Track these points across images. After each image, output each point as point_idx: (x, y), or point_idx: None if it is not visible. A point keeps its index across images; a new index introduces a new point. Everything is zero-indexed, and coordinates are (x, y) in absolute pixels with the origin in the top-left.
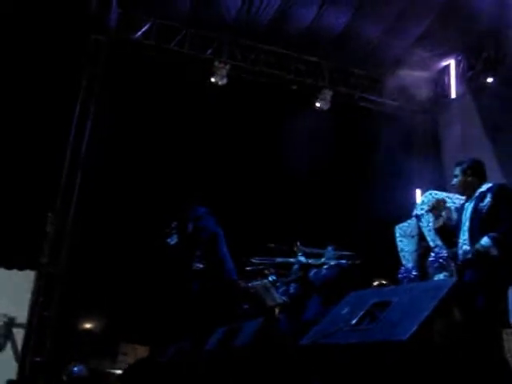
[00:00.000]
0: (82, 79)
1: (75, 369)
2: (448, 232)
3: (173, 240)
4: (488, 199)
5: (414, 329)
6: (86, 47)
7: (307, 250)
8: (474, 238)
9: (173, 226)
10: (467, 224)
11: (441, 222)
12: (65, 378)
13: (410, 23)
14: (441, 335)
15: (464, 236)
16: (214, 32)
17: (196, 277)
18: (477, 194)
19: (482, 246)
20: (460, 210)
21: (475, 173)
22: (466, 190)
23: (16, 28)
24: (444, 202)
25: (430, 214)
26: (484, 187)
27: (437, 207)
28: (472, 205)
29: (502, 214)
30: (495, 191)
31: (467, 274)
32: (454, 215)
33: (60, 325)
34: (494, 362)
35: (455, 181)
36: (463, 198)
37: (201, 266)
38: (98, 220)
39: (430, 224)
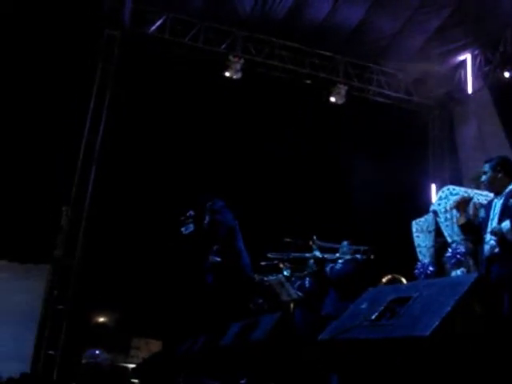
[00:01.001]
0: (96, 74)
1: (96, 352)
2: (472, 229)
3: (188, 229)
4: None
5: (436, 324)
6: (100, 42)
7: (323, 244)
8: None
9: (188, 214)
10: (496, 220)
11: (465, 218)
12: (84, 360)
13: (426, 18)
14: (463, 331)
15: (488, 236)
16: (229, 26)
17: (211, 270)
18: (507, 190)
19: (500, 228)
20: (488, 206)
21: (505, 170)
22: (496, 186)
23: (31, 24)
24: (470, 198)
25: (454, 210)
26: None
27: (462, 204)
28: (501, 201)
29: None
30: None
31: (493, 270)
32: (481, 212)
33: (74, 319)
34: None
35: (485, 177)
36: (482, 193)
37: (218, 259)
38: (113, 214)
39: (449, 220)
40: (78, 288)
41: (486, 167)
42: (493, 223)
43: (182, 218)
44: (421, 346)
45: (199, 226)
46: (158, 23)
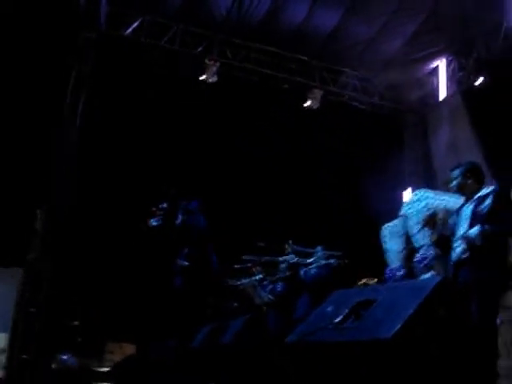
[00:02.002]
0: (71, 76)
1: (65, 357)
2: (445, 242)
3: (156, 222)
4: (488, 202)
5: (398, 327)
6: (76, 44)
7: (298, 248)
8: None
9: (161, 207)
10: (465, 226)
11: (437, 234)
12: (54, 366)
13: (400, 24)
14: (425, 333)
15: (457, 242)
16: (205, 29)
17: (180, 273)
18: (476, 196)
19: (469, 233)
20: (457, 212)
21: (474, 176)
22: (465, 192)
23: (5, 24)
24: (435, 215)
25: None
26: (483, 191)
27: (430, 222)
28: (471, 207)
29: (501, 215)
30: (495, 195)
31: (461, 275)
32: (452, 218)
33: (46, 322)
34: (477, 361)
35: (454, 183)
36: (454, 196)
37: (186, 263)
38: (88, 217)
39: (419, 223)
40: (50, 292)
41: (456, 173)
42: (462, 229)
43: (154, 209)
44: (383, 349)
45: (169, 222)
46: (134, 25)
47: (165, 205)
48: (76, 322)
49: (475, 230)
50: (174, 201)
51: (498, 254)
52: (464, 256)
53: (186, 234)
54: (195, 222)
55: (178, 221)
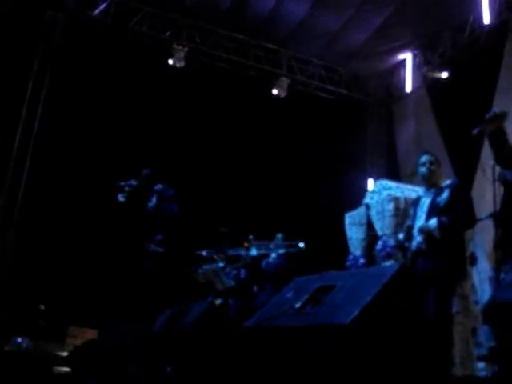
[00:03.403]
0: (36, 56)
1: (19, 340)
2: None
3: (123, 197)
4: (446, 194)
5: (356, 313)
6: (42, 23)
7: (259, 243)
8: None
9: (129, 183)
10: (423, 217)
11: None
12: (7, 348)
13: (368, 16)
14: (382, 320)
15: (416, 232)
16: (174, 14)
17: (150, 258)
18: (434, 189)
19: (428, 225)
20: (415, 203)
21: (440, 166)
22: (430, 180)
23: None
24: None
25: (386, 204)
26: (442, 183)
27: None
28: (429, 199)
29: (457, 208)
30: (453, 188)
31: (419, 265)
32: (410, 210)
33: (8, 306)
34: (433, 351)
35: (423, 170)
36: (414, 188)
37: (160, 249)
38: (48, 201)
39: (380, 213)
40: (12, 276)
41: (424, 159)
42: (420, 220)
43: (122, 184)
44: (341, 334)
45: (138, 202)
46: (102, 6)
47: (133, 182)
48: (41, 306)
49: (433, 222)
50: (146, 181)
51: (454, 244)
52: (423, 246)
53: (158, 219)
54: (170, 209)
55: (152, 204)
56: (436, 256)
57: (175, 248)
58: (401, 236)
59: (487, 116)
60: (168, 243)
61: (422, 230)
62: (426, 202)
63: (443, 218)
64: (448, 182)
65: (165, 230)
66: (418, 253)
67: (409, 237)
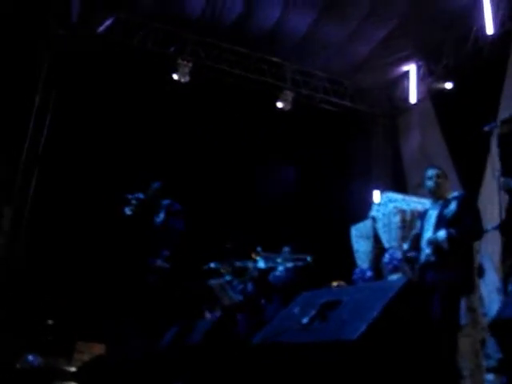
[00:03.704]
0: (42, 74)
1: (30, 357)
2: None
3: (130, 211)
4: (453, 206)
5: (364, 328)
6: (47, 41)
7: (266, 254)
8: None
9: (136, 196)
10: (431, 229)
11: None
12: (18, 365)
13: (372, 28)
14: (390, 334)
15: (425, 243)
16: (178, 29)
17: (156, 272)
18: (441, 201)
19: (436, 237)
20: (422, 215)
21: (447, 178)
22: (437, 192)
23: None
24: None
25: (392, 216)
26: (449, 195)
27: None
28: (436, 211)
29: (465, 220)
30: (461, 200)
31: (428, 277)
32: (418, 222)
33: (15, 321)
34: (440, 363)
35: (430, 184)
36: (421, 200)
37: (167, 265)
38: (55, 215)
39: (387, 225)
40: (20, 291)
41: (433, 172)
42: (428, 233)
43: (129, 197)
44: (349, 350)
45: (145, 216)
46: (107, 23)
47: (141, 195)
48: (50, 321)
49: (442, 233)
50: (154, 195)
51: (463, 256)
52: (432, 258)
53: (165, 234)
54: (176, 225)
55: (160, 219)
56: (445, 268)
57: (181, 263)
58: (405, 246)
59: (503, 118)
60: (174, 259)
61: (430, 242)
62: (433, 215)
63: (452, 230)
64: (455, 193)
65: (171, 246)
66: (426, 265)
67: (415, 246)
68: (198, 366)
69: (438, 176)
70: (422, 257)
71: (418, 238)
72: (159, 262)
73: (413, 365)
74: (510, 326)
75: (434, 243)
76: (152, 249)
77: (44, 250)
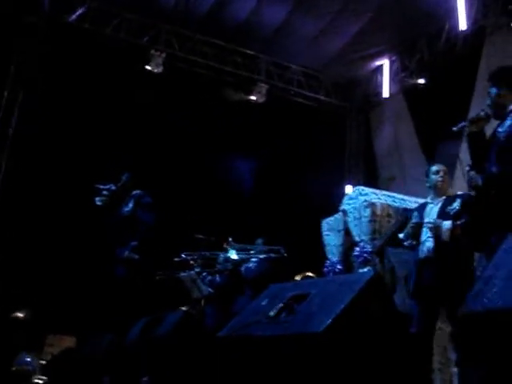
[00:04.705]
0: (12, 62)
1: (28, 359)
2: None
3: (101, 201)
4: (457, 204)
5: (330, 321)
6: (17, 29)
7: (238, 245)
8: None
9: (108, 187)
10: (435, 220)
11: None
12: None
13: (346, 22)
14: (356, 328)
15: (427, 234)
16: (152, 19)
17: (124, 263)
18: (442, 198)
19: (440, 223)
20: (420, 208)
21: (448, 175)
22: (444, 188)
23: None
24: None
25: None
26: (452, 193)
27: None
28: (438, 207)
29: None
30: (465, 199)
31: (426, 272)
32: (414, 216)
33: None
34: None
35: (437, 178)
36: (390, 194)
37: (136, 256)
38: (24, 208)
39: (357, 219)
40: None
41: (440, 167)
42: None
43: (100, 187)
44: (315, 343)
45: (115, 206)
46: (79, 11)
47: (112, 186)
48: (15, 315)
49: (447, 223)
50: (125, 186)
51: (463, 262)
52: (430, 255)
53: (133, 225)
54: (145, 217)
55: (128, 209)
56: (444, 266)
57: (150, 255)
58: (401, 235)
59: (471, 117)
60: (143, 250)
61: (433, 226)
62: (434, 209)
63: (457, 223)
64: (460, 192)
65: (140, 237)
66: (425, 261)
67: (415, 235)
68: (166, 360)
69: (444, 172)
70: (423, 249)
71: (419, 226)
72: (127, 253)
73: (381, 358)
74: (469, 321)
75: (435, 227)
76: (119, 239)
77: (12, 243)
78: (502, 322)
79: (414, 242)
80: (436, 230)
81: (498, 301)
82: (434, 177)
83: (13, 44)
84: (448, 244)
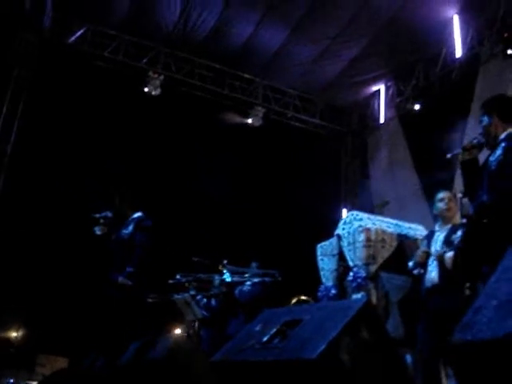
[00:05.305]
0: (11, 81)
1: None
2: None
3: (99, 231)
4: (460, 233)
5: (323, 347)
6: (16, 47)
7: (233, 268)
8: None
9: (105, 215)
10: (438, 251)
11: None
12: None
13: (342, 47)
14: (349, 354)
15: (433, 264)
16: (150, 42)
17: (117, 288)
18: (449, 226)
19: (443, 253)
20: (429, 236)
21: (456, 203)
22: (450, 216)
23: None
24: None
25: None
26: (458, 221)
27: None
28: (444, 234)
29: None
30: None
31: (432, 301)
32: (423, 244)
33: None
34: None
35: (441, 206)
36: (384, 219)
37: (129, 283)
38: (18, 227)
39: (351, 244)
40: None
41: (445, 194)
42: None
43: (97, 216)
44: (309, 369)
45: (114, 231)
46: (79, 33)
47: (109, 214)
48: (15, 334)
49: (450, 253)
50: (119, 210)
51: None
52: (436, 281)
53: (130, 248)
54: (144, 241)
55: (127, 232)
56: (451, 293)
57: (144, 282)
58: (410, 264)
59: (465, 144)
60: (138, 276)
61: (437, 256)
62: (440, 237)
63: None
64: (464, 220)
65: (136, 262)
66: (432, 289)
67: (423, 264)
68: (162, 382)
69: (449, 199)
70: (429, 278)
71: (427, 255)
72: (121, 279)
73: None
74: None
75: (439, 257)
76: (115, 262)
77: (8, 263)
78: (490, 352)
79: (422, 271)
80: (440, 259)
81: (488, 331)
82: (439, 205)
83: (13, 62)
84: (451, 273)
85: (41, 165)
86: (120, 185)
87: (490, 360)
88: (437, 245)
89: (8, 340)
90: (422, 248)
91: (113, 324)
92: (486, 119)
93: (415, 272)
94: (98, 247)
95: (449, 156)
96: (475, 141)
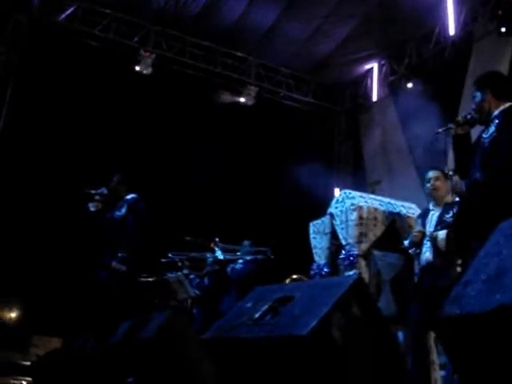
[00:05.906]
0: (1, 60)
1: None
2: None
3: (94, 207)
4: (452, 212)
5: (314, 324)
6: (5, 27)
7: (225, 246)
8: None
9: (100, 191)
10: (431, 231)
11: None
12: None
13: (335, 26)
14: (340, 331)
15: (427, 244)
16: (141, 20)
17: (109, 271)
18: (442, 204)
19: (436, 234)
20: (424, 215)
21: (446, 180)
22: (438, 195)
23: None
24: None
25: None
26: (450, 198)
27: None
28: (437, 214)
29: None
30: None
31: (426, 280)
32: (418, 223)
33: None
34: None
35: (427, 186)
36: (377, 197)
37: (123, 268)
38: (13, 208)
39: (344, 222)
40: None
41: (432, 174)
42: (428, 234)
43: (93, 192)
44: (300, 346)
45: (107, 210)
46: (69, 11)
47: (104, 190)
48: (9, 315)
49: (442, 233)
50: (116, 188)
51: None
52: (430, 260)
53: (123, 230)
54: (137, 225)
55: (120, 214)
56: (444, 271)
57: (136, 265)
58: (406, 243)
59: (458, 119)
60: (131, 261)
61: (430, 238)
62: (434, 217)
63: (449, 230)
64: (457, 199)
65: (127, 247)
66: (426, 268)
67: (418, 243)
68: (151, 361)
69: (436, 178)
70: (423, 258)
71: (422, 234)
72: (114, 264)
73: (366, 361)
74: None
75: (432, 238)
76: (108, 243)
77: (1, 245)
78: (478, 326)
79: (418, 251)
80: (433, 240)
81: (476, 305)
82: (427, 185)
83: (2, 42)
84: (445, 252)
85: (31, 143)
86: (113, 164)
87: (478, 333)
88: (431, 224)
89: (2, 321)
90: (417, 227)
91: (104, 305)
92: (478, 95)
93: (411, 251)
94: (90, 226)
95: (440, 130)
96: (468, 116)
